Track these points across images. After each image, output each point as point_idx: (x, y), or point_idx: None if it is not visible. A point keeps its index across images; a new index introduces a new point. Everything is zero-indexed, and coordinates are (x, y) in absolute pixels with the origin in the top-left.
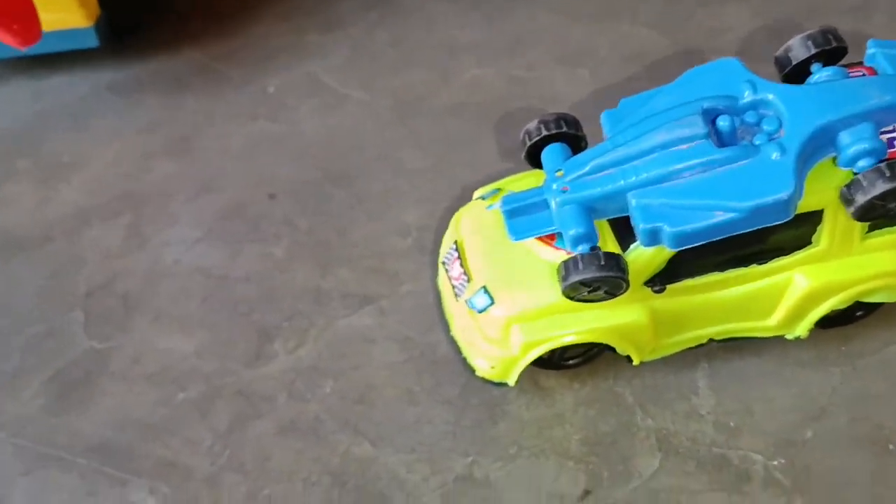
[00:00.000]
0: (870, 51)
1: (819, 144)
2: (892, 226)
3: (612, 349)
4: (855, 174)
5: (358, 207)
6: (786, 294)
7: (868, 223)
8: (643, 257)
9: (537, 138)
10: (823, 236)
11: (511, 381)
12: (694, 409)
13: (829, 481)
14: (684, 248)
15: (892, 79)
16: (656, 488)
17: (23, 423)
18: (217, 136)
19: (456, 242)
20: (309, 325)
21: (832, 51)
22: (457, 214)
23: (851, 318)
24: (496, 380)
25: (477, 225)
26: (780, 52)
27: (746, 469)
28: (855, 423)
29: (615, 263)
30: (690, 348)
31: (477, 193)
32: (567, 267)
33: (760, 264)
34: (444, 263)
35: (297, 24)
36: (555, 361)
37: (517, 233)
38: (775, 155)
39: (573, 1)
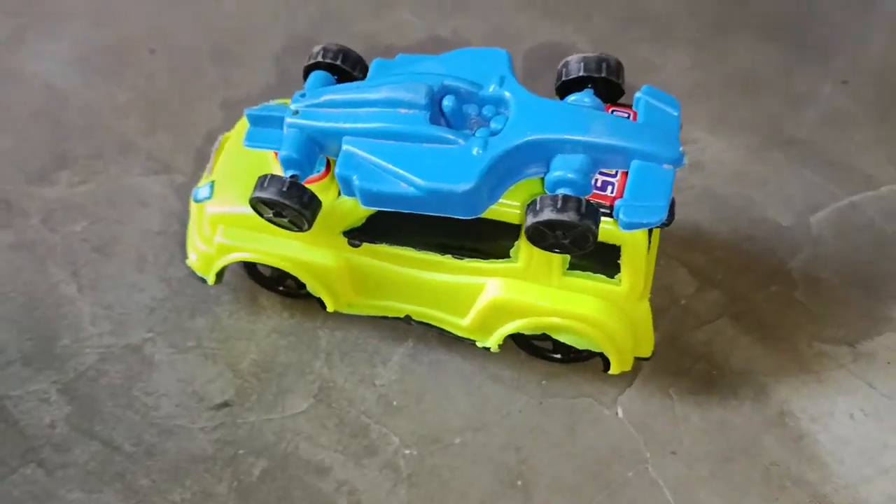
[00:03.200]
0: (637, 94)
1: (531, 159)
2: (593, 271)
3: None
4: None
5: (222, 88)
6: (478, 298)
7: (568, 257)
8: (344, 206)
9: (312, 62)
10: (521, 254)
11: (209, 280)
12: (372, 377)
13: (442, 486)
14: (374, 208)
15: (629, 125)
16: (288, 427)
17: None
18: None
19: (223, 137)
20: (103, 168)
21: (605, 81)
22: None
23: (549, 357)
24: (198, 272)
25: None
26: (560, 64)
27: (379, 446)
28: (503, 450)
29: (297, 196)
30: (399, 320)
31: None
32: (259, 182)
33: (456, 258)
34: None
35: None
36: (271, 282)
37: (251, 140)
38: (476, 150)
39: None
